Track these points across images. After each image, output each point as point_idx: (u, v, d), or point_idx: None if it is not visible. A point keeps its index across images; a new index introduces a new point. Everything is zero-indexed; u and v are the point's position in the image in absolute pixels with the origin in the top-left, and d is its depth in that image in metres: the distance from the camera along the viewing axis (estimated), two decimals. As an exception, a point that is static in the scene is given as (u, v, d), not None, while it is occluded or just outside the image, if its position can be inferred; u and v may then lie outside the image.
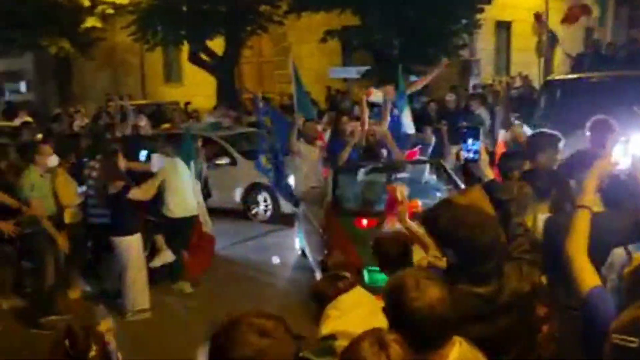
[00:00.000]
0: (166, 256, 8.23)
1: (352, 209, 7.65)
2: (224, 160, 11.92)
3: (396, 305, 2.38)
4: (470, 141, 3.44)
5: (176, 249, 8.38)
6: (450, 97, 13.56)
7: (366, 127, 8.96)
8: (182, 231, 8.30)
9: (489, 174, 3.42)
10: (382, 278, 3.92)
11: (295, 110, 9.89)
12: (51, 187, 7.39)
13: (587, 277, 2.76)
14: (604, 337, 2.56)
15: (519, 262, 3.00)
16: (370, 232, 6.73)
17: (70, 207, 7.64)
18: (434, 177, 8.39)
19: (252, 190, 11.70)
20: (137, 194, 7.31)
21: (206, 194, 9.24)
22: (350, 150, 8.56)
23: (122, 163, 7.43)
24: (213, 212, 10.39)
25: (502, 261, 2.94)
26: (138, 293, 7.40)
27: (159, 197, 8.05)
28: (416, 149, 9.71)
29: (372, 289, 3.34)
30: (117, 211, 7.29)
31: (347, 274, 3.23)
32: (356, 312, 2.73)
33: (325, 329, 2.91)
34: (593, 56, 14.23)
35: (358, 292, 3.05)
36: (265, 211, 11.69)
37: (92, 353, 2.10)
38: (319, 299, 3.12)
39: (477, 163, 3.46)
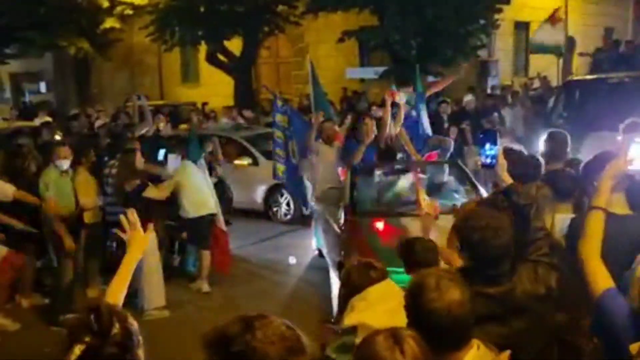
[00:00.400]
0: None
1: (370, 210, 7.65)
2: (245, 161, 11.91)
3: (415, 304, 2.39)
4: (487, 146, 3.39)
5: (195, 249, 8.43)
6: (469, 98, 13.54)
7: (387, 129, 8.92)
8: (199, 230, 8.32)
9: (506, 179, 3.37)
10: (400, 279, 3.91)
11: (313, 111, 9.89)
12: (72, 186, 7.44)
13: (600, 279, 2.75)
14: (616, 338, 2.54)
15: (535, 265, 2.99)
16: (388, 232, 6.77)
17: (88, 207, 7.67)
18: (452, 178, 8.36)
19: (274, 190, 11.63)
20: (153, 192, 7.34)
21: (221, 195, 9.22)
22: (364, 150, 8.55)
23: (140, 162, 7.47)
24: (234, 212, 10.47)
25: (516, 263, 2.94)
26: (153, 291, 7.43)
27: (175, 200, 8.12)
28: (434, 152, 9.67)
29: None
30: (132, 208, 7.31)
31: (379, 265, 3.20)
32: (383, 306, 2.69)
33: (349, 320, 2.88)
34: (612, 56, 14.11)
35: (387, 284, 3.01)
36: (287, 213, 11.61)
37: (115, 331, 2.12)
38: (349, 287, 3.08)
39: (494, 168, 3.42)
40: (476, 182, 7.97)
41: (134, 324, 2.21)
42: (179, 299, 7.86)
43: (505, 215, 3.04)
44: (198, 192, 8.26)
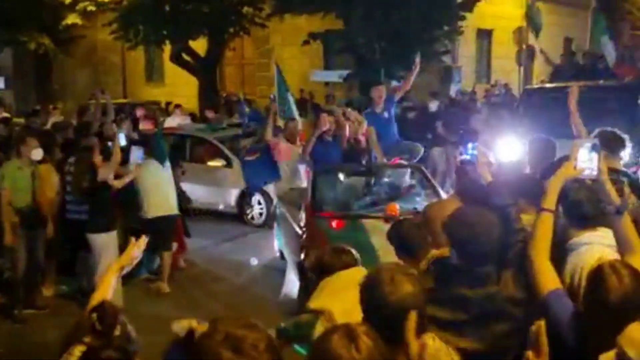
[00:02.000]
0: None
1: (329, 210, 7.66)
2: (219, 162, 11.77)
3: (370, 298, 2.44)
4: (470, 145, 3.42)
5: (156, 250, 8.34)
6: (435, 104, 13.71)
7: (346, 130, 8.94)
8: (159, 231, 8.16)
9: (487, 176, 3.38)
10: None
11: (278, 112, 9.94)
12: (31, 181, 7.29)
13: (547, 280, 2.81)
14: (561, 339, 2.60)
15: (516, 270, 3.00)
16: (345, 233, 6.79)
17: (47, 203, 7.53)
18: (414, 182, 8.44)
19: (247, 192, 11.32)
20: (104, 172, 7.09)
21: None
22: (314, 141, 8.60)
23: (98, 159, 7.28)
24: (203, 213, 10.38)
25: (501, 267, 2.96)
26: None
27: (135, 203, 8.01)
28: (398, 158, 9.69)
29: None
30: (93, 207, 7.21)
31: (352, 250, 3.21)
32: (353, 291, 2.73)
33: (316, 302, 2.89)
34: (571, 66, 14.41)
35: (358, 271, 3.02)
36: (260, 214, 11.35)
37: (117, 332, 2.11)
38: (321, 270, 3.08)
39: (475, 165, 3.41)
40: (437, 187, 8.07)
41: (133, 330, 2.18)
42: (137, 300, 7.76)
43: (491, 212, 3.05)
44: (158, 193, 8.12)
